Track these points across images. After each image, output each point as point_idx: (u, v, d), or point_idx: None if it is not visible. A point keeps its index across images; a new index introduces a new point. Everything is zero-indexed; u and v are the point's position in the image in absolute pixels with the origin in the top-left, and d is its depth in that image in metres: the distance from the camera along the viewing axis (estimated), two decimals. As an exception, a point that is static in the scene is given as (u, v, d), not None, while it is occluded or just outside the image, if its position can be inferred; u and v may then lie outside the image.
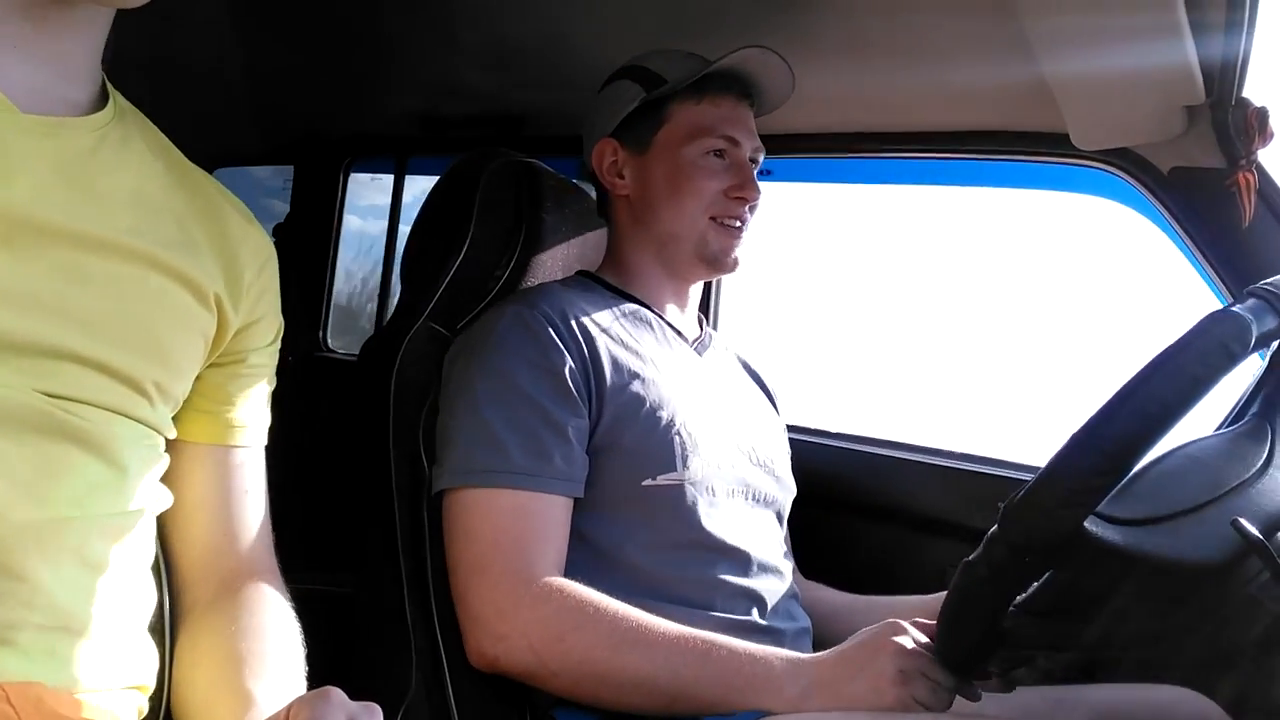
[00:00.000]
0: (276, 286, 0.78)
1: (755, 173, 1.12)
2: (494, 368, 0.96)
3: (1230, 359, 0.64)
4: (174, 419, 0.71)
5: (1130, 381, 0.64)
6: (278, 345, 0.80)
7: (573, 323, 1.00)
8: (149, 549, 0.67)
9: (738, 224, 1.09)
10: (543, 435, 0.92)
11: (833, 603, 1.11)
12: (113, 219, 0.63)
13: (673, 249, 1.10)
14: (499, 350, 0.97)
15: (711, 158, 1.08)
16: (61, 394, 0.59)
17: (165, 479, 0.72)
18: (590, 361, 0.98)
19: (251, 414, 0.77)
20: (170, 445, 0.72)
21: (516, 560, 0.88)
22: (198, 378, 0.72)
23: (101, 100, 0.66)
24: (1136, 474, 0.70)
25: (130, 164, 0.66)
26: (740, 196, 1.08)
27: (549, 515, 0.91)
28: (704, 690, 0.82)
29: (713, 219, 1.08)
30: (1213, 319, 0.66)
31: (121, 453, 0.63)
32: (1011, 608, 0.72)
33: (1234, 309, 0.67)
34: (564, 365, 0.96)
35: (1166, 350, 0.65)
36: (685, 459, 0.97)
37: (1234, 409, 0.90)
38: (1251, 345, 0.65)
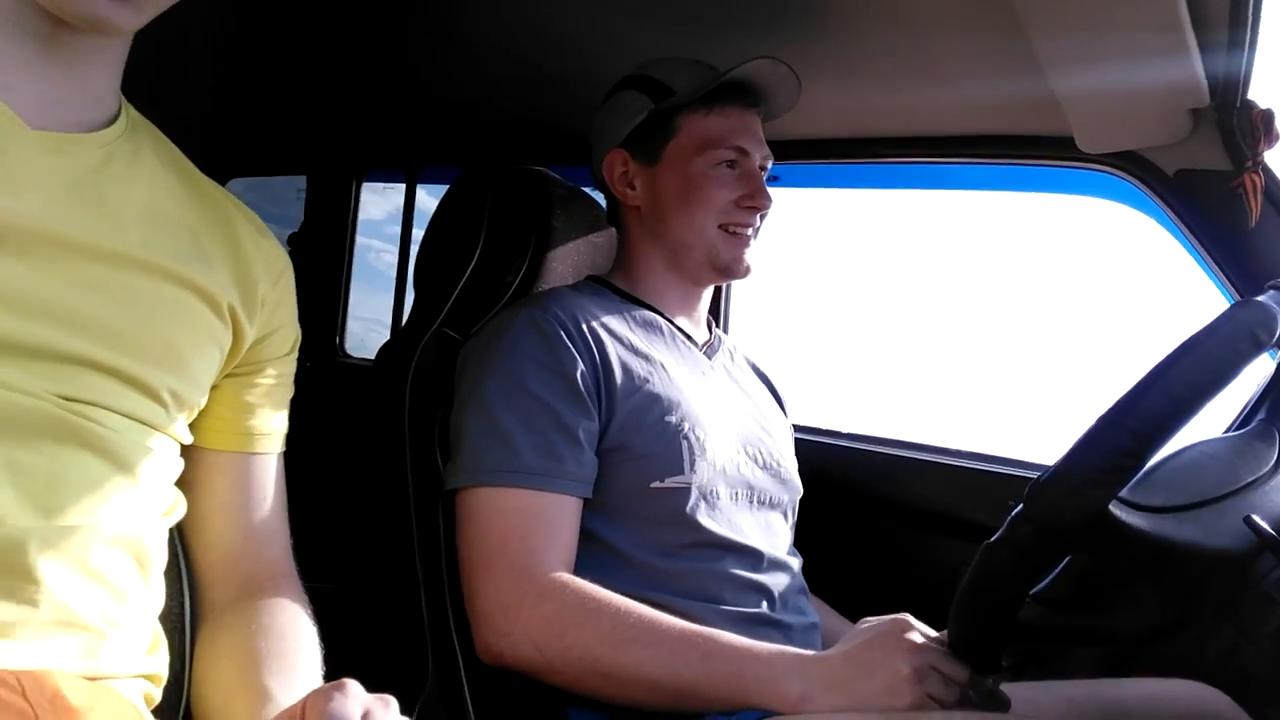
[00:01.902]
0: (293, 298, 0.79)
1: (765, 180, 1.13)
2: (506, 369, 0.97)
3: (1257, 346, 0.65)
4: (194, 427, 0.72)
5: (1158, 365, 0.65)
6: (295, 355, 0.80)
7: (584, 326, 1.01)
8: (160, 555, 0.68)
9: (748, 232, 1.11)
10: (554, 436, 0.93)
11: (829, 628, 1.10)
12: (125, 232, 0.63)
13: (684, 257, 1.11)
14: (511, 352, 0.98)
15: (722, 168, 1.09)
16: (78, 398, 0.59)
17: (186, 485, 0.73)
18: (601, 365, 0.99)
19: (270, 422, 0.78)
20: (190, 452, 0.73)
21: (523, 558, 0.89)
22: (216, 387, 0.73)
23: (116, 115, 0.67)
24: (1154, 466, 0.70)
25: (140, 178, 0.67)
26: (752, 205, 1.09)
27: (559, 515, 0.92)
28: (706, 689, 0.82)
29: (722, 228, 1.09)
30: (1239, 307, 0.67)
31: (136, 460, 0.63)
32: (1028, 598, 0.72)
33: (1260, 299, 0.68)
34: (575, 368, 0.97)
35: (1194, 335, 0.66)
36: (693, 462, 0.97)
37: (1241, 414, 0.91)
38: (1277, 335, 0.66)
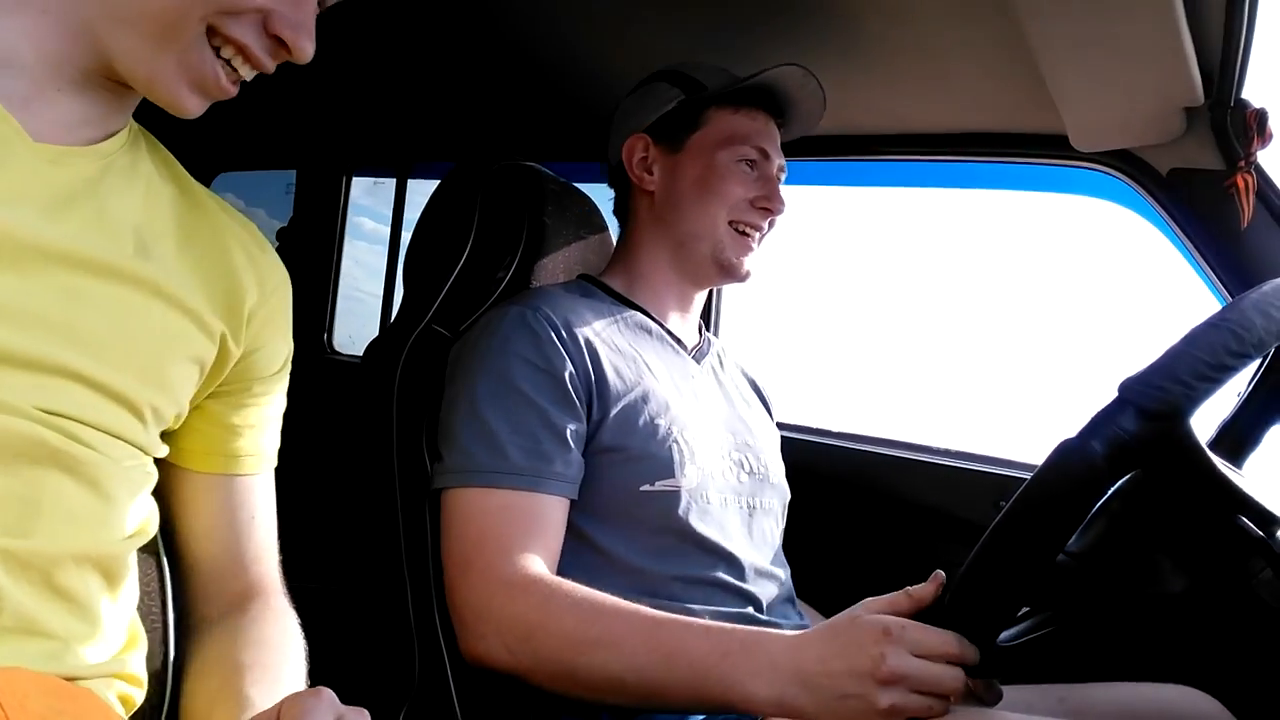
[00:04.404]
0: (287, 314, 0.77)
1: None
2: (495, 368, 0.96)
3: None
4: (181, 450, 0.72)
5: (1249, 291, 0.68)
6: (286, 372, 0.79)
7: (575, 328, 1.00)
8: (130, 570, 0.67)
9: (756, 235, 1.11)
10: (541, 437, 0.93)
11: None
12: (116, 245, 0.63)
13: (690, 249, 1.11)
14: (501, 351, 0.97)
15: (743, 166, 1.10)
16: (59, 411, 0.59)
17: (174, 505, 0.73)
18: (591, 367, 0.98)
19: (258, 443, 0.77)
20: (178, 474, 0.72)
21: (499, 557, 0.88)
22: (200, 409, 0.72)
23: (119, 126, 0.67)
24: None
25: (136, 190, 0.66)
26: (765, 207, 1.10)
27: (543, 514, 0.91)
28: (673, 694, 0.80)
29: (732, 224, 1.10)
30: None
31: (113, 483, 0.63)
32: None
33: None
34: (564, 369, 0.96)
35: None
36: (682, 466, 0.97)
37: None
38: None
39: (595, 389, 0.97)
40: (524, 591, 0.86)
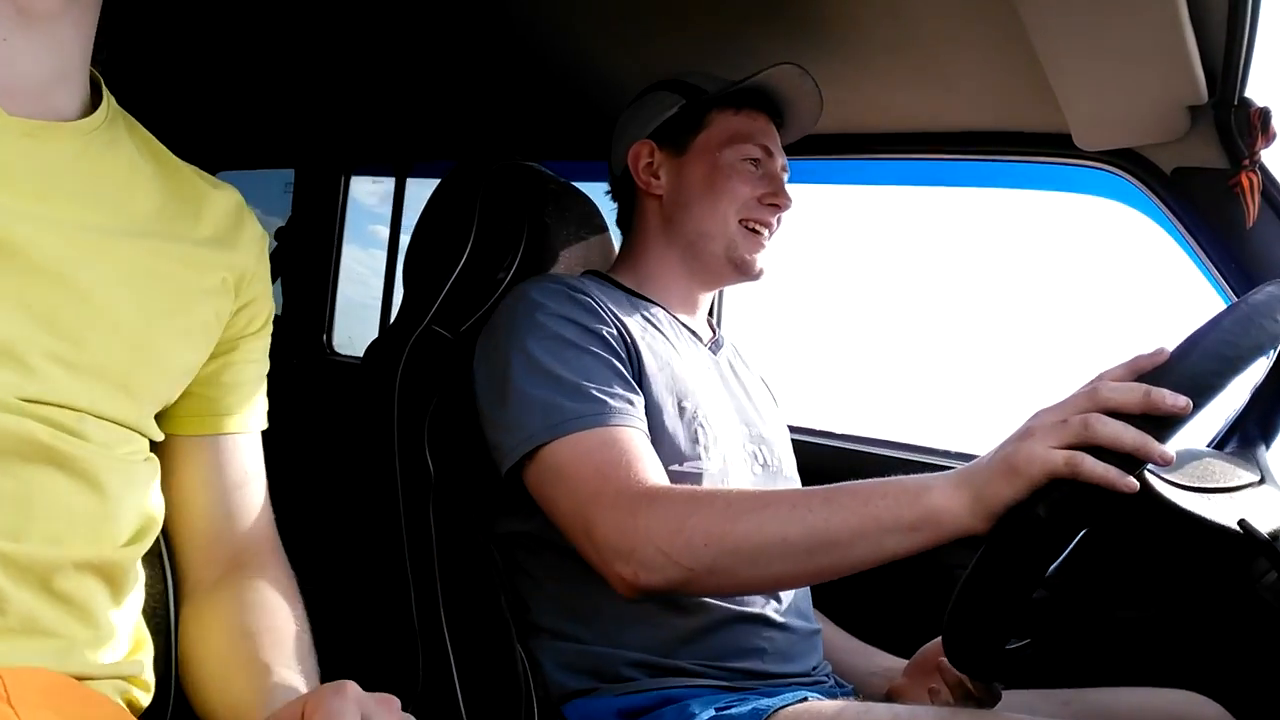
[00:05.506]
0: (267, 270, 0.78)
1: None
2: (545, 328, 0.95)
3: None
4: (170, 414, 0.71)
5: (1199, 328, 0.67)
6: (269, 329, 0.79)
7: (607, 303, 1.01)
8: (134, 574, 0.66)
9: (766, 232, 1.12)
10: (615, 384, 0.93)
11: (826, 637, 1.10)
12: (98, 223, 0.62)
13: (701, 248, 1.11)
14: (545, 312, 0.96)
15: (748, 164, 1.11)
16: (42, 399, 0.58)
17: (165, 472, 0.71)
18: (628, 339, 0.99)
19: (245, 401, 0.76)
20: (168, 440, 0.72)
21: (625, 480, 0.86)
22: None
23: (92, 105, 0.66)
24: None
25: (119, 168, 0.66)
26: (774, 203, 1.11)
27: (643, 443, 0.91)
28: (840, 529, 0.76)
29: (742, 222, 1.10)
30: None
31: (106, 476, 0.62)
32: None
33: None
34: (610, 333, 0.97)
35: (1233, 304, 0.69)
36: (707, 450, 0.97)
37: (1216, 437, 0.91)
38: None
39: (632, 361, 0.98)
40: (665, 492, 0.85)
